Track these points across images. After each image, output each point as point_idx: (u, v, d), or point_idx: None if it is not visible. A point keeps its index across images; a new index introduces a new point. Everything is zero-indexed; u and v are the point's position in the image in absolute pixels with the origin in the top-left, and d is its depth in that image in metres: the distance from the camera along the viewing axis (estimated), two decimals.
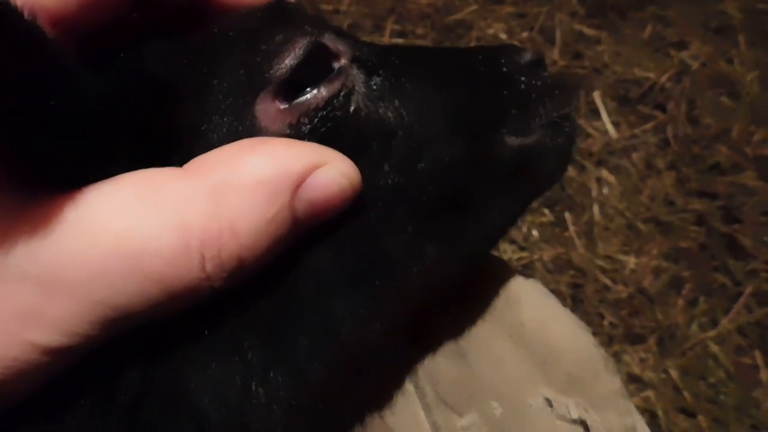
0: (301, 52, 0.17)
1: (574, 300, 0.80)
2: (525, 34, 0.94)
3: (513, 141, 0.20)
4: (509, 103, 0.21)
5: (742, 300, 0.79)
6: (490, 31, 0.94)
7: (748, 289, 0.79)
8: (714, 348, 0.78)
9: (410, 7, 0.96)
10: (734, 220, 0.83)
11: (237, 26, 0.19)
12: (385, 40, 0.94)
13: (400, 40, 0.94)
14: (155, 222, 0.14)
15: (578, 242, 0.83)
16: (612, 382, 0.19)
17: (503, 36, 0.94)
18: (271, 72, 0.17)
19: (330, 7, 0.96)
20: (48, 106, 0.13)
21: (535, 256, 0.82)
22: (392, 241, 0.17)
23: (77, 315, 0.13)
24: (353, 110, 0.18)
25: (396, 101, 0.19)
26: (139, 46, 0.18)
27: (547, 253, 0.83)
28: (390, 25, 0.95)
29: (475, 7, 0.96)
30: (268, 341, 0.16)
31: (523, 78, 0.21)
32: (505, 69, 0.21)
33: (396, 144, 0.18)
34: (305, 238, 0.16)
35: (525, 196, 0.21)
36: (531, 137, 0.20)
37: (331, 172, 0.15)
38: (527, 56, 0.22)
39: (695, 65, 0.91)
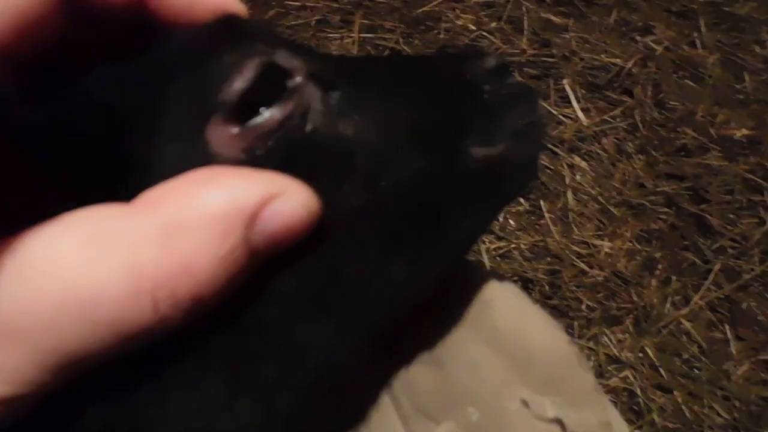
0: (251, 74, 0.16)
1: (552, 286, 0.82)
2: (493, 24, 0.95)
3: (478, 152, 0.19)
4: (473, 112, 0.20)
5: (711, 277, 0.82)
6: (459, 23, 0.94)
7: (717, 266, 0.82)
8: (687, 325, 0.80)
9: (378, 1, 0.96)
10: (702, 200, 0.86)
11: (185, 46, 0.18)
12: (354, 35, 0.93)
13: (369, 35, 0.94)
14: (104, 266, 0.13)
15: (554, 229, 0.85)
16: (586, 380, 0.20)
17: (472, 27, 0.94)
18: (221, 96, 0.16)
19: (298, 3, 0.95)
20: None
21: (513, 245, 0.84)
22: (357, 263, 0.17)
23: (28, 364, 0.13)
24: (310, 129, 0.17)
25: (355, 116, 0.18)
26: (83, 69, 0.17)
27: (524, 242, 0.84)
28: (358, 20, 0.94)
29: None
30: (232, 371, 0.16)
31: (486, 86, 0.21)
32: (468, 77, 0.21)
33: (357, 162, 0.17)
34: (268, 266, 0.15)
35: (493, 207, 0.21)
36: (496, 147, 0.20)
37: (287, 203, 0.15)
38: (491, 62, 0.21)
39: (659, 50, 0.93)
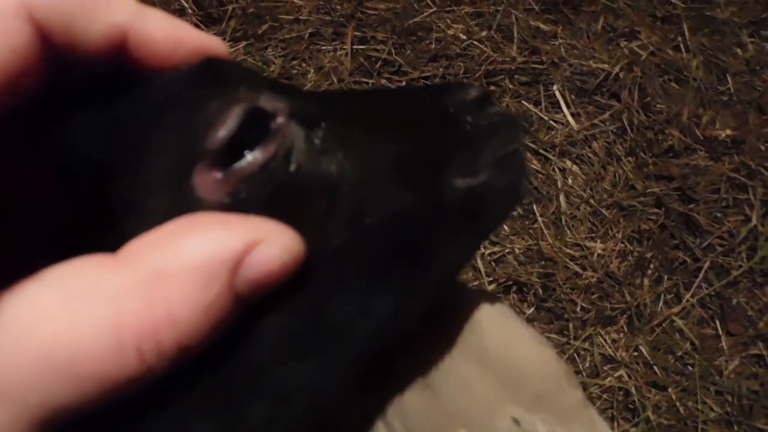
0: (236, 121, 0.16)
1: (546, 289, 0.84)
2: (484, 33, 0.97)
3: (460, 183, 0.19)
4: (455, 144, 0.20)
5: (701, 274, 0.84)
6: (450, 32, 0.96)
7: (706, 264, 0.84)
8: (679, 322, 0.82)
9: (370, 13, 0.97)
10: (689, 199, 0.88)
11: (168, 92, 0.17)
12: (347, 46, 0.95)
13: (361, 47, 0.96)
14: (86, 321, 0.13)
15: (547, 232, 0.87)
16: (574, 395, 0.22)
17: (462, 36, 0.96)
18: (206, 144, 0.16)
19: (290, 17, 0.97)
20: None
21: (507, 250, 0.85)
22: (341, 301, 0.17)
23: (13, 419, 0.13)
24: (294, 169, 0.17)
25: (339, 154, 0.18)
26: (64, 119, 0.17)
27: (518, 246, 0.86)
28: (351, 32, 0.96)
29: (433, 9, 0.97)
30: (220, 415, 0.16)
31: (468, 117, 0.21)
32: (451, 109, 0.21)
33: (340, 199, 0.17)
34: (251, 308, 0.15)
35: (476, 236, 0.21)
36: (478, 178, 0.20)
37: (271, 248, 0.15)
38: (473, 93, 0.22)
39: (645, 54, 0.95)
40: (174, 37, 0.18)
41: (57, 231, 0.15)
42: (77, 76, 0.17)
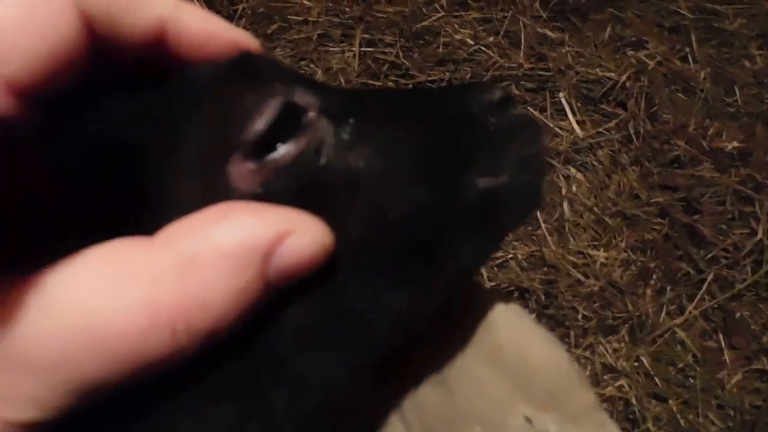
0: (273, 114, 0.17)
1: (548, 296, 0.83)
2: (491, 39, 0.97)
3: (481, 183, 0.20)
4: (477, 144, 0.20)
5: (704, 287, 0.84)
6: (458, 37, 0.96)
7: (710, 276, 0.84)
8: (681, 334, 0.82)
9: (378, 16, 0.97)
10: (694, 211, 0.88)
11: (203, 83, 0.18)
12: (355, 48, 0.95)
13: (369, 49, 0.96)
14: (123, 300, 0.14)
15: (550, 239, 0.86)
16: (586, 396, 0.21)
17: (470, 41, 0.96)
18: (243, 135, 0.17)
19: (300, 18, 0.97)
20: None
21: (509, 256, 0.85)
22: (361, 294, 0.17)
23: (49, 392, 0.14)
24: (323, 163, 0.18)
25: (365, 149, 0.18)
26: (101, 103, 0.17)
27: (521, 252, 0.85)
28: (359, 34, 0.96)
29: (441, 14, 0.97)
30: (241, 399, 0.16)
31: (491, 118, 0.21)
32: (474, 110, 0.21)
33: (364, 194, 0.18)
34: (277, 296, 0.16)
35: (495, 236, 0.21)
36: (499, 178, 0.20)
37: (302, 239, 0.15)
38: (496, 94, 0.22)
39: (652, 64, 0.95)
40: (208, 30, 0.18)
41: (89, 215, 0.16)
42: (116, 65, 0.17)
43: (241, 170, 0.17)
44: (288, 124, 0.17)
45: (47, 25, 0.15)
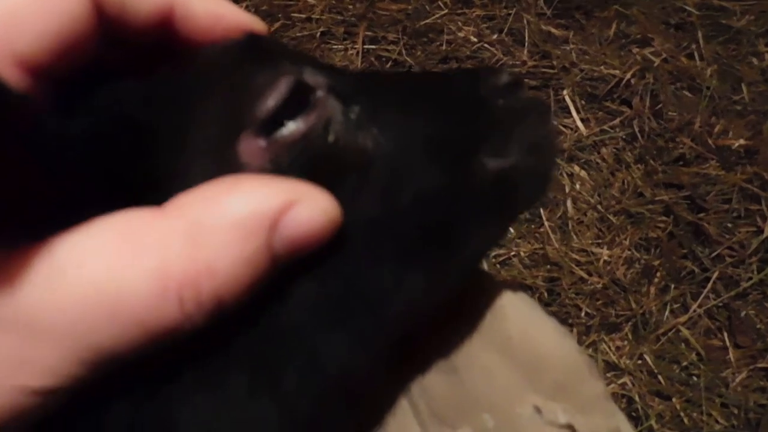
0: (283, 91, 0.17)
1: (551, 293, 0.83)
2: (495, 36, 0.96)
3: (492, 165, 0.20)
4: (487, 126, 0.20)
5: (709, 285, 0.83)
6: (461, 35, 0.96)
7: (715, 274, 0.83)
8: (685, 332, 0.81)
9: (381, 14, 0.97)
10: (699, 209, 0.87)
11: (213, 63, 0.18)
12: (358, 46, 0.95)
13: (372, 47, 0.95)
14: (133, 266, 0.14)
15: (553, 237, 0.86)
16: (596, 386, 0.21)
17: (473, 39, 0.96)
18: (254, 112, 0.17)
19: (303, 15, 0.97)
20: (14, 158, 0.13)
21: (512, 253, 0.85)
22: (374, 273, 0.17)
23: (63, 358, 0.14)
24: (332, 141, 0.18)
25: (374, 130, 0.18)
26: (113, 83, 0.17)
27: (524, 249, 0.85)
28: (362, 32, 0.96)
29: (445, 11, 0.97)
30: (254, 375, 0.16)
31: (500, 101, 0.21)
32: (483, 92, 0.21)
33: (374, 174, 0.18)
34: (288, 272, 0.16)
35: (505, 218, 0.21)
36: (509, 160, 0.20)
37: (309, 209, 0.15)
38: (505, 78, 0.22)
39: (657, 61, 0.95)
40: (215, 13, 0.18)
41: (101, 190, 0.16)
42: (124, 45, 0.18)
43: (251, 147, 0.17)
44: (297, 102, 0.17)
45: (57, 3, 0.15)
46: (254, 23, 0.19)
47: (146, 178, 0.16)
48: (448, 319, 0.21)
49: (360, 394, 0.19)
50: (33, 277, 0.14)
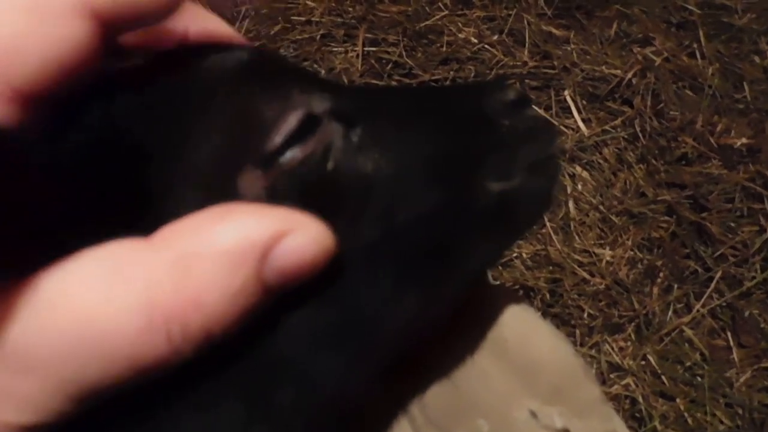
0: (293, 127, 0.17)
1: (554, 295, 0.83)
2: (495, 37, 0.96)
3: (494, 186, 0.19)
4: (490, 147, 0.20)
5: (712, 285, 0.83)
6: (461, 36, 0.96)
7: (718, 274, 0.83)
8: (689, 332, 0.81)
9: (381, 16, 0.97)
10: (702, 208, 0.87)
11: (214, 82, 0.18)
12: (358, 48, 0.95)
13: (372, 49, 0.96)
14: (120, 300, 0.14)
15: (555, 238, 0.86)
16: (592, 390, 0.21)
17: (474, 40, 0.96)
18: (260, 147, 0.17)
19: (303, 18, 0.97)
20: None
21: (514, 254, 0.85)
22: (371, 296, 0.17)
23: (47, 393, 0.13)
24: (331, 167, 0.17)
25: (375, 152, 0.18)
26: (108, 100, 0.17)
27: (526, 250, 0.85)
28: (362, 34, 0.96)
29: (445, 12, 0.97)
30: (247, 399, 0.16)
31: (504, 120, 0.21)
32: (487, 110, 0.21)
33: (375, 197, 0.18)
34: (283, 298, 0.15)
35: (506, 239, 0.21)
36: (512, 181, 0.20)
37: (300, 239, 0.15)
38: (511, 95, 0.22)
39: (659, 60, 0.95)
40: (205, 28, 0.18)
41: (91, 214, 0.15)
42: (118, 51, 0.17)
43: (250, 176, 0.17)
44: (302, 131, 0.17)
45: (53, 30, 0.15)
46: (241, 42, 0.19)
47: (137, 202, 0.16)
48: (446, 331, 0.21)
49: (355, 410, 0.19)
50: (21, 312, 0.13)
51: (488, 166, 0.20)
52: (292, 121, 0.17)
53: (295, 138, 0.17)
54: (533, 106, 0.22)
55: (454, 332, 0.22)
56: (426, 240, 0.18)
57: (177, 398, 0.15)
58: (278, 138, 0.17)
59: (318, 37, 0.96)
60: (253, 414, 0.16)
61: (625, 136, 0.92)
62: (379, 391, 0.19)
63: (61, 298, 0.14)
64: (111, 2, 0.15)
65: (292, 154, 0.17)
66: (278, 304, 0.15)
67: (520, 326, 0.22)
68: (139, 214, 0.16)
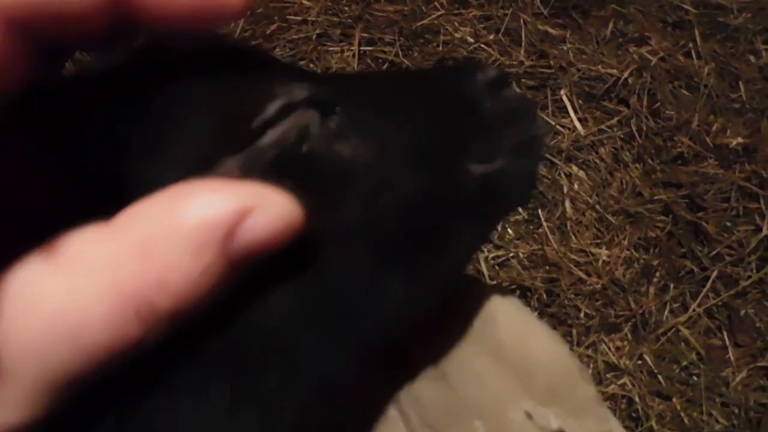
0: (270, 115, 0.17)
1: (550, 294, 0.83)
2: (491, 36, 0.96)
3: (477, 169, 0.19)
4: (473, 129, 0.20)
5: (708, 284, 0.83)
6: (458, 35, 0.96)
7: (714, 273, 0.83)
8: (685, 332, 0.81)
9: (378, 15, 0.97)
10: (698, 208, 0.87)
11: (192, 74, 0.17)
12: (354, 48, 0.95)
13: (369, 48, 0.95)
14: (87, 290, 0.13)
15: (552, 238, 0.86)
16: (588, 390, 0.21)
17: (470, 39, 0.95)
18: (241, 137, 0.17)
19: (299, 18, 0.97)
20: None
21: (511, 254, 0.84)
22: (353, 279, 0.17)
23: (30, 391, 0.13)
24: (307, 151, 0.17)
25: (354, 138, 0.18)
26: (80, 94, 0.17)
27: (522, 250, 0.85)
28: (358, 34, 0.95)
29: (441, 12, 0.97)
30: (234, 380, 0.16)
31: (486, 102, 0.21)
32: (467, 92, 0.21)
33: (355, 183, 0.17)
34: (266, 276, 0.15)
35: (490, 221, 0.21)
36: (495, 163, 0.20)
37: (266, 215, 0.14)
38: (491, 74, 0.21)
39: (655, 60, 0.95)
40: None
41: (66, 201, 0.15)
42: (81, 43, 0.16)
43: (229, 165, 0.17)
44: (279, 119, 0.17)
45: None
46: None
47: (120, 197, 0.16)
48: (437, 324, 0.21)
49: (344, 401, 0.19)
50: None
51: (470, 149, 0.19)
52: (270, 110, 0.17)
53: (270, 125, 0.17)
54: (513, 86, 0.22)
55: (448, 332, 0.22)
56: (408, 224, 0.18)
57: (168, 380, 0.15)
58: (256, 122, 0.17)
59: (314, 36, 0.95)
60: (240, 397, 0.16)
61: (622, 136, 0.92)
62: (370, 384, 0.19)
63: (28, 294, 0.13)
64: (21, 5, 0.14)
65: (265, 139, 0.17)
66: (259, 282, 0.15)
67: (515, 325, 0.22)
68: (114, 202, 0.16)
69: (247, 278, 0.15)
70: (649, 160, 0.90)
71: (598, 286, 0.83)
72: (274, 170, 0.17)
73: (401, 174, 0.18)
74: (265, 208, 0.15)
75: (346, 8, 0.98)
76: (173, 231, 0.14)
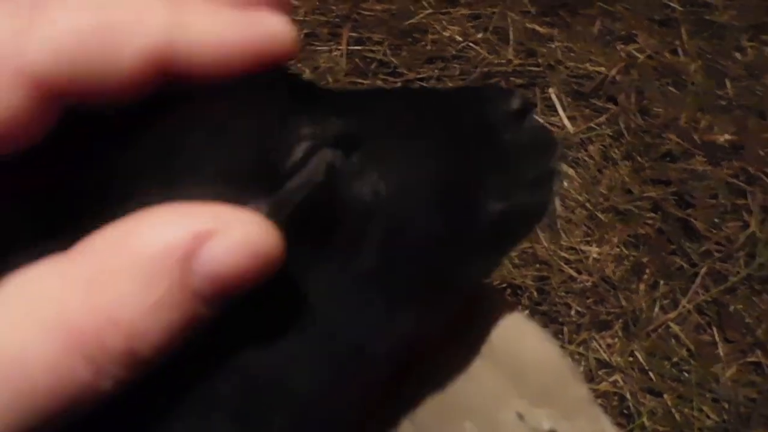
0: (297, 158, 0.16)
1: (541, 292, 0.83)
2: (480, 35, 0.96)
3: (495, 207, 0.19)
4: (494, 164, 0.20)
5: (698, 280, 0.83)
6: (446, 34, 0.96)
7: (703, 270, 0.84)
8: (675, 328, 0.82)
9: (366, 14, 0.97)
10: (687, 204, 0.88)
11: (221, 116, 0.16)
12: (342, 47, 0.94)
13: (357, 48, 0.95)
14: (29, 326, 0.12)
15: (542, 236, 0.86)
16: (580, 390, 0.21)
17: (459, 38, 0.95)
18: (267, 180, 0.16)
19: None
20: None
21: None
22: (366, 324, 0.17)
23: None
24: (329, 193, 0.17)
25: (374, 176, 0.17)
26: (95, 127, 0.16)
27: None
28: (346, 33, 0.95)
29: (429, 11, 0.97)
30: (238, 421, 0.16)
31: (508, 132, 0.20)
32: (490, 119, 0.20)
33: (373, 223, 0.17)
34: (273, 317, 0.15)
35: (502, 254, 0.21)
36: (513, 199, 0.19)
37: (227, 240, 0.13)
38: (514, 104, 0.21)
39: (642, 57, 0.95)
40: (219, 42, 0.15)
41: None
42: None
43: (254, 209, 0.16)
44: (306, 159, 0.16)
45: None
46: (271, 28, 0.15)
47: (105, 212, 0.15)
48: (438, 342, 0.21)
49: (348, 424, 0.19)
50: None
51: (490, 186, 0.19)
52: (298, 153, 0.16)
53: (299, 168, 0.16)
54: (535, 115, 0.22)
55: (447, 340, 0.21)
56: (423, 264, 0.18)
57: (169, 419, 0.15)
58: (283, 169, 0.16)
59: (302, 35, 0.95)
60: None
61: (610, 134, 0.92)
62: (372, 412, 0.19)
63: None
64: (56, 73, 0.13)
65: (293, 182, 0.16)
66: (264, 326, 0.15)
67: (507, 327, 0.22)
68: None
69: (251, 319, 0.15)
70: (638, 158, 0.90)
71: (589, 284, 0.83)
72: (303, 213, 0.16)
73: (420, 214, 0.18)
74: (226, 233, 0.13)
75: (334, 7, 0.97)
76: (125, 261, 0.13)
